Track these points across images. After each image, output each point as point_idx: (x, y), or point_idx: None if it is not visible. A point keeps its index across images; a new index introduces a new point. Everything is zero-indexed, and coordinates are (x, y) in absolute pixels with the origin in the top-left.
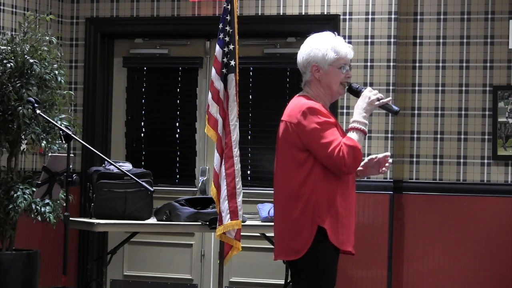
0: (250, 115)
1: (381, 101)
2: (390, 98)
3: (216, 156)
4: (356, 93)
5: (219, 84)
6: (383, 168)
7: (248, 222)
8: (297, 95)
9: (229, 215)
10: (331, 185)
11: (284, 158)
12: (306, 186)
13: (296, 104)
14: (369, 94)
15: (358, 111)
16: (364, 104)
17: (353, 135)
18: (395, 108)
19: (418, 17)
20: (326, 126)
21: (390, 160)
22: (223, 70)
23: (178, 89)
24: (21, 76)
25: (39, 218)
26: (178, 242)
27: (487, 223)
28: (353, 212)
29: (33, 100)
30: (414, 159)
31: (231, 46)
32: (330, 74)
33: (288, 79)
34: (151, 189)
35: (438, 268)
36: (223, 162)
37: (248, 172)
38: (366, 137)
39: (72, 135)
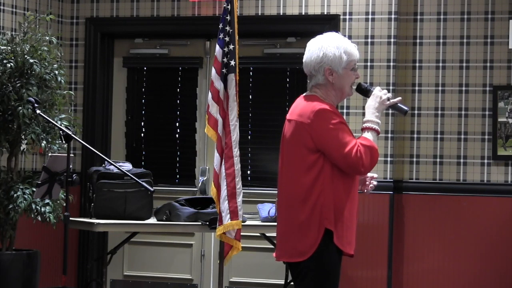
0: (250, 115)
1: (391, 100)
2: (400, 98)
3: (216, 156)
4: (365, 93)
5: (219, 84)
6: (366, 188)
7: (248, 222)
8: (304, 95)
9: (229, 215)
10: (339, 188)
11: (292, 159)
12: (315, 188)
13: (308, 105)
14: (380, 93)
15: (371, 111)
16: (376, 103)
17: (368, 135)
18: (405, 108)
19: (418, 17)
20: (340, 127)
21: (375, 182)
22: (223, 70)
23: (178, 89)
24: (21, 76)
25: (39, 218)
26: (178, 242)
27: (487, 223)
28: (356, 215)
29: (33, 100)
30: (414, 159)
31: (231, 46)
32: (344, 76)
33: (288, 79)
34: (151, 189)
35: (438, 268)
36: (223, 162)
37: (248, 172)
38: None
39: (72, 135)
